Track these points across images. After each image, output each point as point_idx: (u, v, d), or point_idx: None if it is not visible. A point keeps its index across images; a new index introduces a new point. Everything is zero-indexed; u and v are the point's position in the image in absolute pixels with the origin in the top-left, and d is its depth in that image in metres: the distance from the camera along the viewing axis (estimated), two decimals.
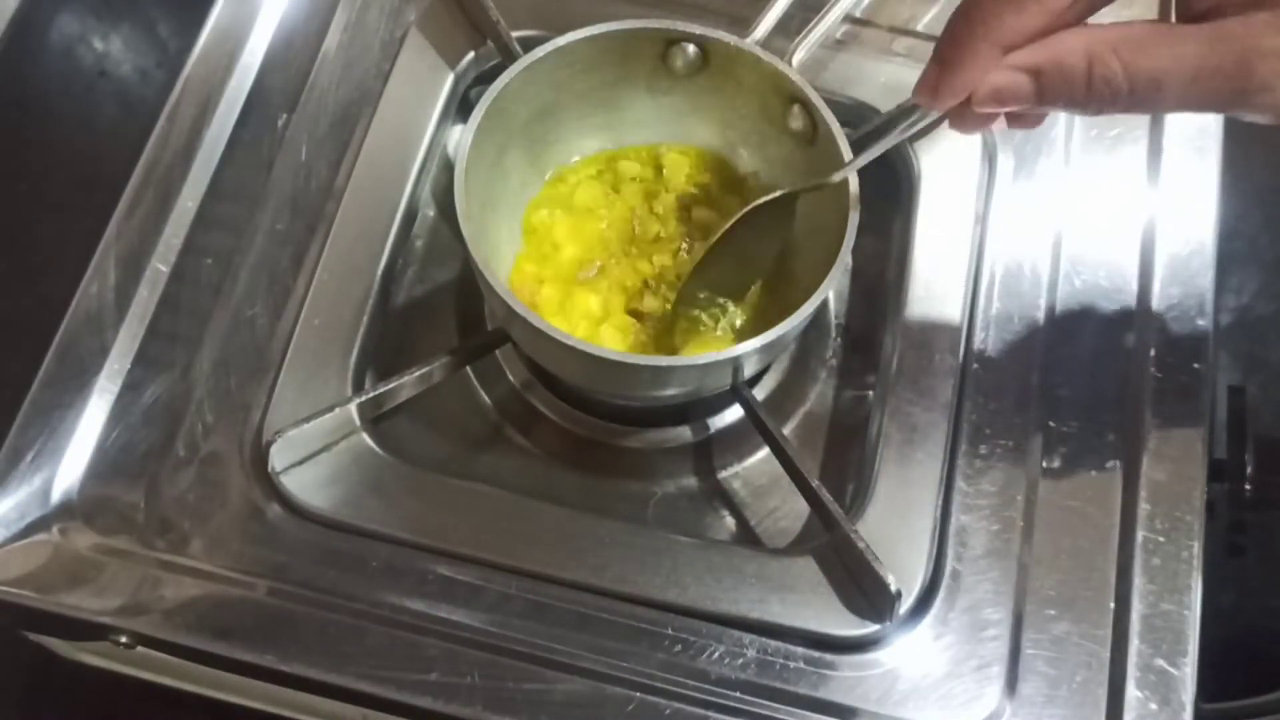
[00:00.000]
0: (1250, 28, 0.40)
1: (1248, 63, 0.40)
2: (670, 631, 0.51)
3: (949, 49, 0.43)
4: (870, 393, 0.58)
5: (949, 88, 0.43)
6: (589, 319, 0.56)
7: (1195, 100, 0.41)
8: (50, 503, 0.52)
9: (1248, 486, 0.54)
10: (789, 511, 0.56)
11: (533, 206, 0.59)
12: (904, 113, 0.49)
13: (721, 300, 0.56)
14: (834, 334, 0.61)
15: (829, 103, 0.53)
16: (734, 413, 0.58)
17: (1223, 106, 0.42)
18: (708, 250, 0.55)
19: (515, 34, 0.60)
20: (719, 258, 0.55)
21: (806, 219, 0.56)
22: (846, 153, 0.52)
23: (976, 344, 0.56)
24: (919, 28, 0.63)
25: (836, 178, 0.51)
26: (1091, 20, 0.43)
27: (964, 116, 0.46)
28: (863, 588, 0.51)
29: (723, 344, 0.54)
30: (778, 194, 0.53)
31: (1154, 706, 0.50)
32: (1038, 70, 0.42)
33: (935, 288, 0.57)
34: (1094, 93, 0.41)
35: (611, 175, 0.59)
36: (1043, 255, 0.59)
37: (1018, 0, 0.42)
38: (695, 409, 0.58)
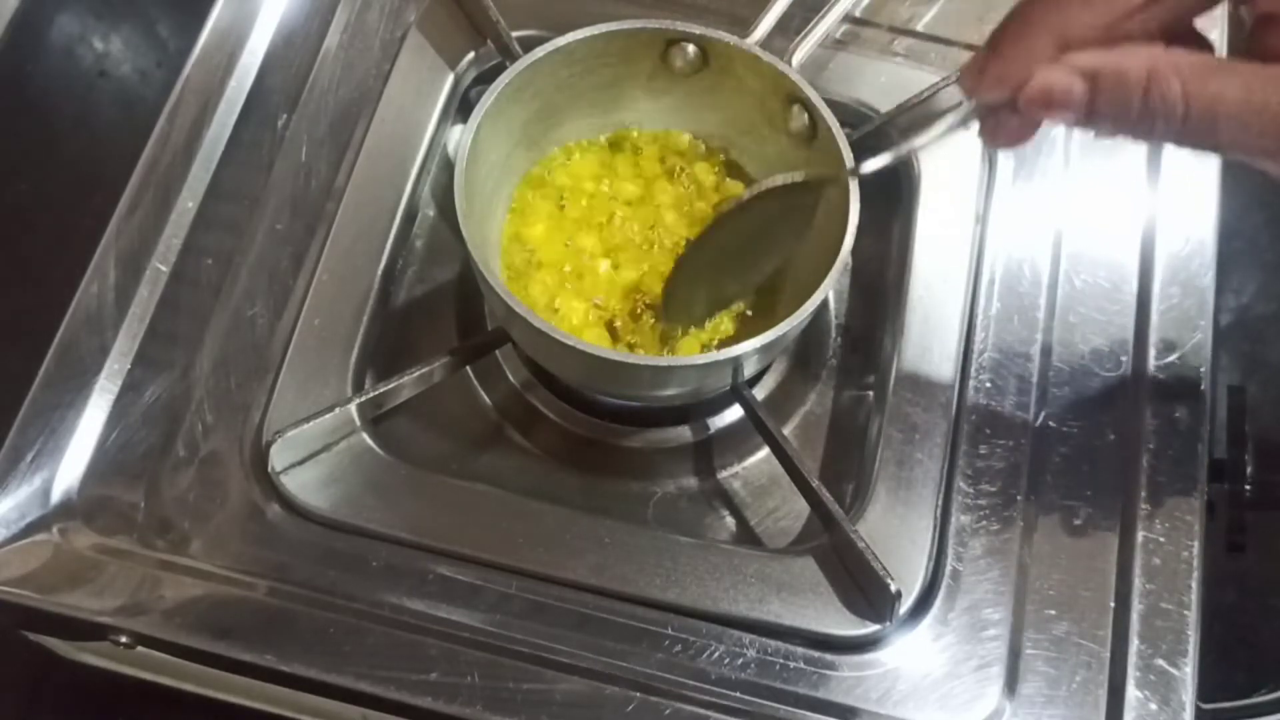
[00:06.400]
0: None
1: None
2: (670, 631, 0.51)
3: (1004, 35, 0.40)
4: (870, 393, 0.58)
5: (996, 76, 0.40)
6: (574, 322, 0.56)
7: (1246, 141, 0.38)
8: (50, 503, 0.52)
9: (1248, 486, 0.54)
10: (789, 511, 0.56)
11: (525, 204, 0.58)
12: (935, 113, 0.46)
13: (711, 309, 0.55)
14: (834, 334, 0.60)
15: (829, 103, 0.53)
16: (734, 413, 0.58)
17: (1271, 155, 0.38)
18: (697, 240, 0.53)
19: (515, 34, 0.60)
20: (713, 250, 0.53)
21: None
22: (846, 153, 0.52)
23: (976, 344, 0.56)
24: (919, 28, 0.63)
25: (867, 169, 0.49)
26: None
27: (999, 122, 0.42)
28: (863, 588, 0.51)
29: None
30: (792, 177, 0.50)
31: (1154, 706, 0.50)
32: (1095, 75, 0.38)
33: (935, 288, 0.57)
34: (1148, 111, 0.38)
35: (610, 176, 0.59)
36: (1043, 255, 0.59)
37: None
38: (695, 409, 0.58)
